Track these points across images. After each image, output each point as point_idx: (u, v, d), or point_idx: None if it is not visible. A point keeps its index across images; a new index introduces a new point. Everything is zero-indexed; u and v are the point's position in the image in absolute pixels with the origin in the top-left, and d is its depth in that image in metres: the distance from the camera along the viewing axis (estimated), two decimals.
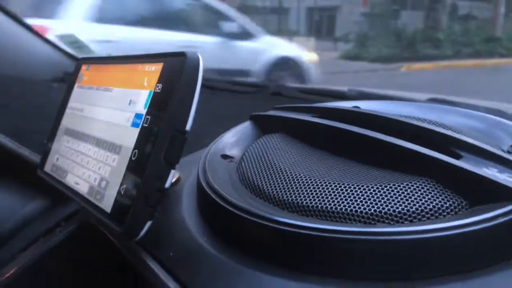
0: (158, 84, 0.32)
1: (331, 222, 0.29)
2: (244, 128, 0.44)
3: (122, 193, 0.31)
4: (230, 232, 0.32)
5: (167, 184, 0.30)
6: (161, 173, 0.29)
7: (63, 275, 0.45)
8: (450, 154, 0.31)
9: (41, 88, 0.91)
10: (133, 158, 0.32)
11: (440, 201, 0.29)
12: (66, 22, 2.58)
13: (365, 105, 0.47)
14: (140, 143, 0.32)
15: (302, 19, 13.27)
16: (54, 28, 2.10)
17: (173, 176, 0.30)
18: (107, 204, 0.32)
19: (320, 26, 13.09)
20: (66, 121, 0.44)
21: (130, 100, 0.35)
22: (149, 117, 0.32)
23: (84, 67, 0.45)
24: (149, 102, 0.33)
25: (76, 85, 0.45)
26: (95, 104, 0.40)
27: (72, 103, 0.44)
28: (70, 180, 0.39)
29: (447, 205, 0.28)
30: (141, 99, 0.33)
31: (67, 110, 0.44)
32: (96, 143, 0.37)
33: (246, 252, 0.30)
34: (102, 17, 2.79)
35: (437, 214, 0.28)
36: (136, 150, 0.32)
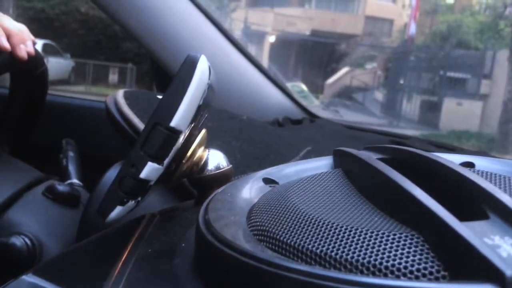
0: None
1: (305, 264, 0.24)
2: (318, 160, 0.40)
3: None
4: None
5: (144, 175, 0.30)
6: (135, 160, 0.30)
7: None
8: (475, 212, 0.23)
9: (257, 127, 0.97)
10: None
11: (413, 261, 0.21)
12: None
13: (482, 163, 0.37)
14: None
15: None
16: None
17: (156, 171, 0.30)
18: None
19: None
20: None
21: None
22: None
23: None
24: None
25: None
26: None
27: None
28: None
29: (420, 267, 0.21)
30: None
31: None
32: None
33: None
34: None
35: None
36: None
